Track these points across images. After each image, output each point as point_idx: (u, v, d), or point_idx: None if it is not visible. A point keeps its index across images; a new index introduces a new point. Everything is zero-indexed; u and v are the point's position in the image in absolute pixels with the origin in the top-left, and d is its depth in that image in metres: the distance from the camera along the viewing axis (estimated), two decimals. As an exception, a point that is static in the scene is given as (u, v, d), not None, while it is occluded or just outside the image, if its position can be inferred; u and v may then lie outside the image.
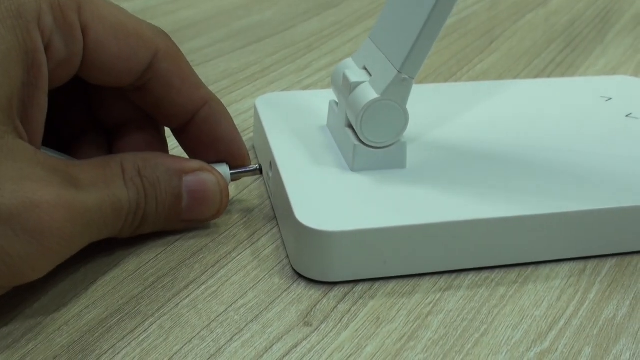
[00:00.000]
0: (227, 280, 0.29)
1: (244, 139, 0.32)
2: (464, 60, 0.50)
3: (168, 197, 0.29)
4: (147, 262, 0.29)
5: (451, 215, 0.29)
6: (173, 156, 0.30)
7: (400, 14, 0.31)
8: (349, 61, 0.34)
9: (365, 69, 0.33)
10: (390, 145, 0.31)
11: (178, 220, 0.30)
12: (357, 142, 0.31)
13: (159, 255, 0.30)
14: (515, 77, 0.48)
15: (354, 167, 0.31)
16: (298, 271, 0.29)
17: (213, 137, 0.31)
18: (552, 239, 0.30)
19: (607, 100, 0.39)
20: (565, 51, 0.53)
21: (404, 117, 0.31)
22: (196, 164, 0.30)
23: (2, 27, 0.24)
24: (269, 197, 0.34)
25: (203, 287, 0.28)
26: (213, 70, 0.47)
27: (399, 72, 0.30)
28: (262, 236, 0.31)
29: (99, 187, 0.26)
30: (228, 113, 0.31)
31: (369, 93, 0.31)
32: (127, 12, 0.29)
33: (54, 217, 0.24)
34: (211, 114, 0.30)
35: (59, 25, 0.26)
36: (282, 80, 0.46)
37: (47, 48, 0.26)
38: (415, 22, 0.29)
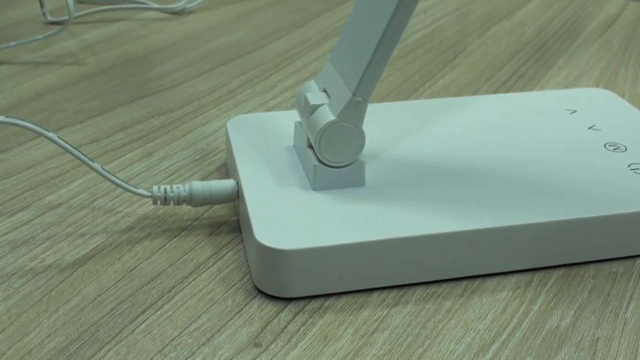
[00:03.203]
0: (182, 305, 0.30)
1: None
2: (427, 76, 0.51)
3: None
4: (107, 289, 0.30)
5: (405, 231, 0.30)
6: None
7: (354, 39, 0.32)
8: (312, 84, 0.35)
9: (325, 91, 0.34)
10: (349, 165, 0.32)
11: None
12: (317, 163, 0.32)
13: (118, 282, 0.31)
14: (476, 91, 0.49)
15: (315, 186, 0.33)
16: (259, 288, 0.30)
17: None
18: (500, 252, 0.31)
19: (571, 113, 0.40)
20: (529, 63, 0.54)
21: (361, 138, 0.32)
22: None
23: None
24: (237, 217, 0.35)
25: (159, 312, 0.29)
26: (180, 95, 0.48)
27: (353, 95, 0.31)
28: (219, 259, 0.32)
29: None
30: None
31: (326, 115, 0.32)
32: None
33: None
34: None
35: None
36: (248, 102, 0.47)
37: None
38: (367, 48, 0.31)
